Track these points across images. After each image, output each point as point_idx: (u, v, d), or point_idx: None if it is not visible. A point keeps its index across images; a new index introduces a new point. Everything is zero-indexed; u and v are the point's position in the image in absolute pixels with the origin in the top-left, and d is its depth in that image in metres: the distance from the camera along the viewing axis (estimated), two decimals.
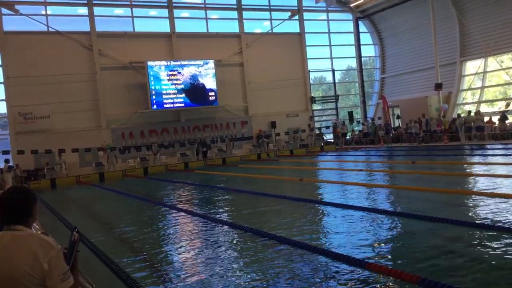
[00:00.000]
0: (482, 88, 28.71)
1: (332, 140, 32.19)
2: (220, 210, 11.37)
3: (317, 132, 32.25)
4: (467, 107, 29.86)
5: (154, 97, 27.15)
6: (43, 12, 25.92)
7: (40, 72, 24.77)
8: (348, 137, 32.35)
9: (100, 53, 26.57)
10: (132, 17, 28.00)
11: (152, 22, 29.26)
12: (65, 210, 13.55)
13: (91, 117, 26.47)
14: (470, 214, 8.20)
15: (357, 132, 32.54)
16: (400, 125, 30.06)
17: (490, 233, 6.63)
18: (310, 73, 33.45)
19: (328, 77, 35.58)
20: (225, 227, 8.93)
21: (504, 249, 5.92)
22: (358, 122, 33.76)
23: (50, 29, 25.84)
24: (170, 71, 27.69)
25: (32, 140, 24.03)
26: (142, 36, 28.05)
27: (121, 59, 26.93)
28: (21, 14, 24.82)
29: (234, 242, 7.80)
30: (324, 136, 32.69)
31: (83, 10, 26.82)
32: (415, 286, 4.88)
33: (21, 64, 24.55)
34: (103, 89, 26.56)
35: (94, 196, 17.67)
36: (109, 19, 27.57)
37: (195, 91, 28.27)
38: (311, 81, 33.78)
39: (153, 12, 29.35)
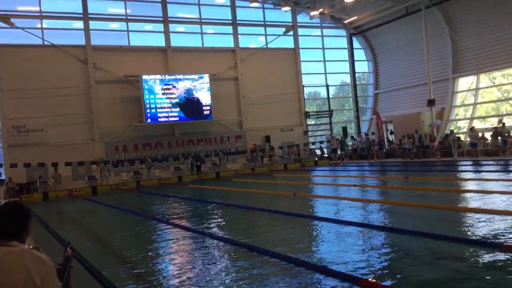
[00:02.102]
0: (475, 104, 28.98)
1: (327, 155, 32.41)
2: (213, 224, 11.33)
3: (319, 146, 32.51)
4: (460, 123, 30.14)
5: (148, 110, 27.17)
6: (39, 26, 25.99)
7: (35, 85, 24.74)
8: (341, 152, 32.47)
9: (95, 66, 26.62)
10: (128, 31, 28.12)
11: (148, 36, 29.42)
12: (57, 224, 13.46)
13: (84, 130, 26.40)
14: (462, 230, 8.23)
15: (350, 147, 32.64)
16: (394, 141, 30.21)
17: (482, 249, 6.65)
18: (305, 88, 33.65)
19: (322, 92, 35.83)
20: (218, 241, 8.90)
21: (496, 265, 5.94)
22: (352, 137, 33.90)
23: (46, 43, 25.88)
24: (165, 85, 27.76)
25: (25, 153, 23.89)
26: (137, 50, 28.16)
27: (116, 73, 26.98)
28: (16, 28, 24.88)
29: (226, 257, 7.78)
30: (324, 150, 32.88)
31: (79, 24, 26.92)
32: None
33: (15, 77, 24.52)
34: (98, 102, 26.55)
35: (86, 209, 17.56)
36: (104, 33, 27.67)
37: (189, 105, 28.32)
38: (305, 96, 33.98)
39: (148, 26, 29.53)
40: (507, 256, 6.20)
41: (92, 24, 26.98)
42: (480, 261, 6.22)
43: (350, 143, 33.48)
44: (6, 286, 2.40)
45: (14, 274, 2.42)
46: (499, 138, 23.68)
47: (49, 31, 26.16)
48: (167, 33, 28.83)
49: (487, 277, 5.55)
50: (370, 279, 5.72)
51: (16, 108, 24.43)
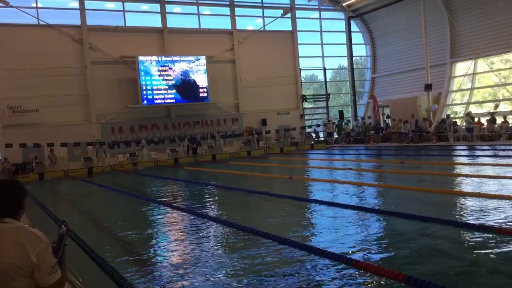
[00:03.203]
0: (472, 89, 28.96)
1: (323, 139, 32.50)
2: (208, 206, 11.38)
3: (313, 130, 32.54)
4: (456, 108, 30.18)
5: (144, 92, 27.04)
6: (34, 5, 25.67)
7: (30, 65, 24.54)
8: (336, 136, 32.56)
9: (90, 47, 26.40)
10: (124, 11, 27.83)
11: (144, 16, 29.15)
12: (53, 203, 13.48)
13: (80, 111, 26.30)
14: (456, 213, 8.29)
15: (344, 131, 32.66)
16: (390, 125, 30.24)
17: (474, 233, 6.71)
18: (302, 71, 33.53)
19: (320, 75, 35.71)
20: (213, 223, 8.93)
21: (488, 248, 6.01)
22: (349, 121, 33.91)
23: (41, 22, 25.60)
24: (161, 66, 27.58)
25: (20, 134, 23.83)
26: (134, 31, 27.90)
27: (112, 54, 26.77)
28: (11, 6, 24.55)
29: (222, 238, 7.82)
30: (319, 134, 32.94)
31: (74, 4, 26.61)
32: (401, 284, 4.94)
33: (10, 56, 24.31)
34: (93, 83, 26.40)
35: (82, 190, 17.58)
36: (100, 13, 27.38)
37: (186, 87, 28.20)
38: (302, 79, 33.87)
39: (144, 6, 29.23)
40: (498, 240, 6.26)
41: (88, 4, 26.70)
42: (474, 244, 6.28)
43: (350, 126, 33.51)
44: (1, 263, 2.40)
45: (9, 251, 2.42)
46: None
47: (44, 11, 25.87)
48: (163, 13, 28.56)
49: (478, 260, 5.61)
50: (364, 261, 5.78)
51: (11, 88, 24.27)
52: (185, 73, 28.15)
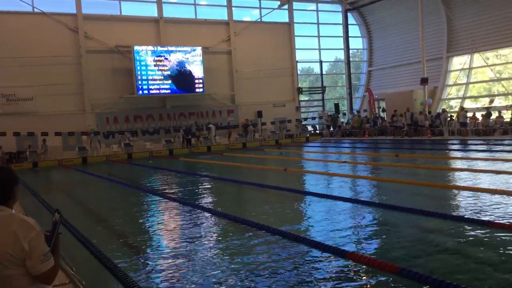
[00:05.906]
0: (467, 84, 29.02)
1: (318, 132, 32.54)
2: (203, 197, 11.38)
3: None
4: (452, 103, 30.24)
5: (140, 82, 26.89)
6: None
7: (25, 53, 24.31)
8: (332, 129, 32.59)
9: (86, 36, 26.18)
10: (120, 0, 27.58)
11: (140, 6, 28.88)
12: (46, 193, 13.43)
13: (75, 100, 26.13)
14: (449, 206, 8.33)
15: (344, 124, 32.67)
16: (385, 118, 30.28)
17: (468, 226, 6.75)
18: (298, 63, 33.44)
19: (316, 68, 35.64)
20: (208, 214, 8.93)
21: (480, 241, 6.05)
22: (344, 114, 33.91)
23: (36, 10, 25.35)
24: (157, 56, 27.41)
25: (14, 122, 23.67)
26: (129, 20, 27.67)
27: (107, 43, 26.57)
28: None
29: (216, 229, 7.83)
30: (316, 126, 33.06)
31: None
32: (394, 275, 4.96)
33: (5, 44, 24.05)
34: (88, 72, 26.21)
35: (76, 180, 17.53)
36: (96, 1, 27.09)
37: (181, 77, 28.06)
38: (298, 72, 33.79)
39: None
40: (491, 233, 6.30)
41: None
42: (465, 237, 6.31)
43: (343, 120, 33.52)
44: None
45: (2, 238, 2.40)
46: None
47: None
48: (159, 3, 28.32)
49: (471, 253, 5.65)
50: (357, 252, 5.80)
51: (5, 76, 24.04)
52: (181, 64, 28.00)
